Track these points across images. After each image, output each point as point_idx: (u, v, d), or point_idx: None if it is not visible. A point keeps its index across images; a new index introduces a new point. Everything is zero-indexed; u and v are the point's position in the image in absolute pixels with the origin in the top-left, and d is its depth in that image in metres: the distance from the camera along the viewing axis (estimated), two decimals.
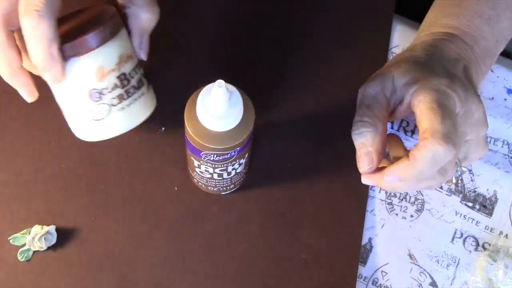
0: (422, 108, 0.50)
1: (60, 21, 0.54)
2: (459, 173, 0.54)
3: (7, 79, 0.54)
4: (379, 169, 0.53)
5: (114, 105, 0.53)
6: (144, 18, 0.57)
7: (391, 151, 0.56)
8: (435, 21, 0.59)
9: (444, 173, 0.52)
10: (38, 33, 0.49)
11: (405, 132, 0.67)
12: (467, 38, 0.57)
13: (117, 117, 0.54)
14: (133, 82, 0.54)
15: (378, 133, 0.52)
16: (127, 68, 0.54)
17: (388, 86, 0.54)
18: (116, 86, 0.53)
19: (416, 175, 0.50)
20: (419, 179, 0.52)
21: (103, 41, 0.52)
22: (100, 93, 0.52)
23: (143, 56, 0.59)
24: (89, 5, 0.58)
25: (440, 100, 0.50)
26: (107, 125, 0.54)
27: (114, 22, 0.54)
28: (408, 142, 0.67)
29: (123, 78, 0.53)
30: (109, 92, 0.53)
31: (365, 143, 0.52)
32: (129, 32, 0.57)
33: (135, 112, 0.55)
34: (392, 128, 0.67)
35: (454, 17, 0.58)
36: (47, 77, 0.51)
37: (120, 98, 0.53)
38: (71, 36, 0.52)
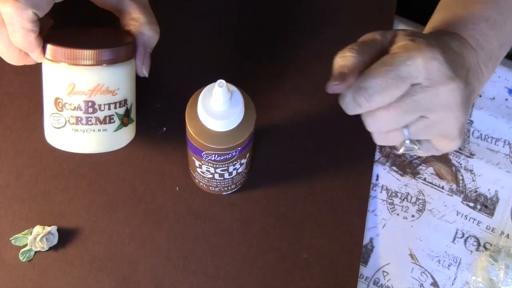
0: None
1: (85, 30, 0.58)
2: (406, 146, 0.52)
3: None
4: None
5: (70, 123, 0.55)
6: (148, 35, 0.59)
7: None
8: (442, 22, 0.59)
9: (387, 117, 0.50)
10: (15, 23, 0.51)
11: None
12: (472, 41, 0.57)
13: (68, 135, 0.55)
14: (100, 114, 0.55)
15: (361, 62, 0.50)
16: (100, 99, 0.55)
17: (388, 37, 0.52)
18: (79, 108, 0.54)
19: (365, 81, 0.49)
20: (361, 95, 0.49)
21: (88, 63, 0.54)
22: (63, 105, 0.54)
23: (145, 73, 0.60)
24: (121, 30, 0.59)
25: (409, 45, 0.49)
26: (60, 136, 0.55)
27: (115, 53, 0.55)
28: None
29: (90, 106, 0.54)
30: (71, 109, 0.54)
31: (344, 66, 0.50)
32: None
33: (86, 141, 0.55)
34: None
35: (461, 20, 0.58)
36: (30, 54, 0.55)
37: (78, 120, 0.54)
38: (73, 44, 0.54)
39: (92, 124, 0.55)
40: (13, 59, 0.56)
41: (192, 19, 0.69)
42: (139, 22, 0.58)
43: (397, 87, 0.48)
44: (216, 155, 0.53)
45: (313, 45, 0.69)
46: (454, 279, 0.63)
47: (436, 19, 0.61)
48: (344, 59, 0.51)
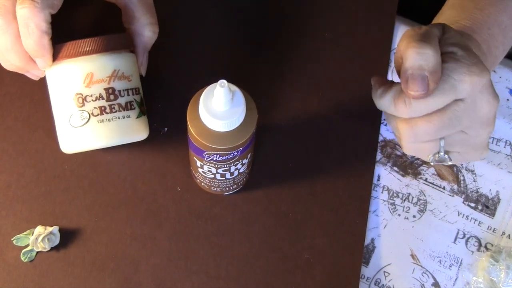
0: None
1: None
2: (440, 157, 0.52)
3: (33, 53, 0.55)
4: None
5: (94, 115, 0.55)
6: (147, 35, 0.59)
7: None
8: (456, 21, 0.56)
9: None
10: (31, 24, 0.51)
11: None
12: (484, 46, 0.55)
13: (94, 128, 0.55)
14: (121, 100, 0.56)
15: (438, 64, 0.46)
16: (119, 85, 0.55)
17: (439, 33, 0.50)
18: (100, 97, 0.54)
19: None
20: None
21: (99, 51, 0.54)
22: (84, 99, 0.54)
23: (143, 72, 0.60)
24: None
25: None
26: (84, 134, 0.55)
27: (118, 41, 0.56)
28: None
29: (111, 93, 0.55)
30: (93, 100, 0.54)
31: (423, 66, 0.45)
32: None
33: (113, 130, 0.55)
34: None
35: (476, 23, 0.56)
36: (37, 62, 0.54)
37: (102, 110, 0.55)
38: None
39: (116, 112, 0.55)
40: (16, 58, 0.55)
41: (193, 19, 0.69)
42: (140, 23, 0.58)
43: (439, 99, 0.47)
44: (218, 155, 0.53)
45: (314, 45, 0.69)
46: (455, 279, 0.63)
47: (449, 16, 0.58)
48: (423, 57, 0.45)
